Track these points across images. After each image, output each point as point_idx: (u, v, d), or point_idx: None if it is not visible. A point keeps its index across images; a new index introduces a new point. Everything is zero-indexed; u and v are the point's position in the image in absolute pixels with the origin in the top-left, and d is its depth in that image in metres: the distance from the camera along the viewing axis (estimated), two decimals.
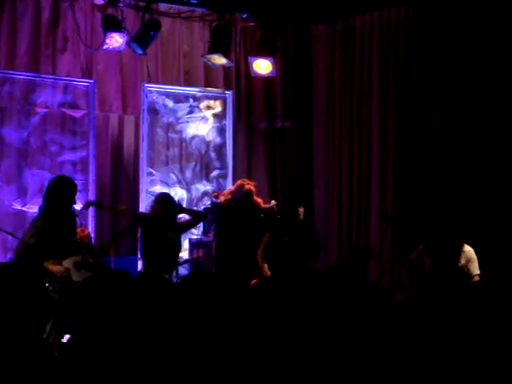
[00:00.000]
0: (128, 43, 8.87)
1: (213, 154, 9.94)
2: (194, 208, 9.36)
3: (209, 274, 3.76)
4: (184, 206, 7.50)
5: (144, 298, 3.69)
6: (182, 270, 8.34)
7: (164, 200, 7.89)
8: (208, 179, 9.91)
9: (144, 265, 7.86)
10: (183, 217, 8.78)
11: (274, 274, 7.85)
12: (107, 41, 8.82)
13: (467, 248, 7.60)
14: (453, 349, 3.36)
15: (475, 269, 7.54)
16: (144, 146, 9.36)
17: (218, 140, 9.96)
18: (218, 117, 9.97)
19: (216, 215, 8.88)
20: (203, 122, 9.90)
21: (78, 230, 7.37)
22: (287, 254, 7.84)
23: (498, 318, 3.44)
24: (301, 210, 8.14)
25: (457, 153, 9.01)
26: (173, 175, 9.67)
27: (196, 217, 8.42)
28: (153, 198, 8.99)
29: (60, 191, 6.82)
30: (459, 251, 7.54)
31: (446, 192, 9.00)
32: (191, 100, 9.85)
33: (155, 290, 3.79)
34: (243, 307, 3.64)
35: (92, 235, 8.59)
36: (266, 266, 7.94)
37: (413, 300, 3.66)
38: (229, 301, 3.60)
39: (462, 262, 7.54)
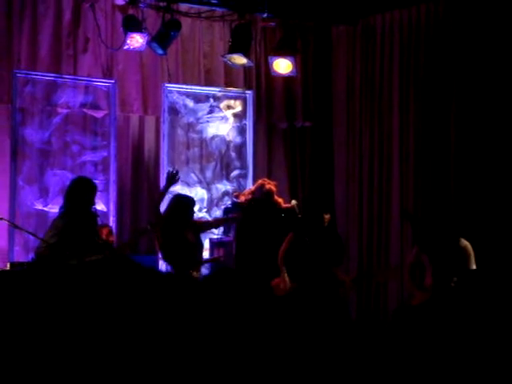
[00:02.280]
0: (148, 43, 8.90)
1: (233, 154, 9.94)
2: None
3: (231, 273, 3.76)
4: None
5: (170, 296, 3.69)
6: (203, 270, 8.31)
7: (173, 201, 7.76)
8: (228, 179, 9.91)
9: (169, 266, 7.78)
10: (203, 217, 8.79)
11: (296, 276, 7.79)
12: (128, 41, 8.85)
13: (464, 243, 7.52)
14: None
15: (472, 264, 7.46)
16: (164, 146, 9.37)
17: (238, 140, 9.95)
18: (239, 116, 9.97)
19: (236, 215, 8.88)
20: (223, 122, 9.91)
21: (101, 229, 7.41)
22: (309, 257, 7.78)
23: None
24: (326, 216, 7.97)
25: (478, 153, 8.94)
26: (193, 175, 9.69)
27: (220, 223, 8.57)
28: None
29: (79, 192, 6.87)
30: (456, 247, 7.47)
31: (467, 193, 8.94)
32: (211, 100, 9.86)
33: (181, 289, 3.78)
34: (264, 306, 3.64)
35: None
36: (284, 268, 7.84)
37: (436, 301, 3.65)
38: (251, 300, 3.60)
39: None
